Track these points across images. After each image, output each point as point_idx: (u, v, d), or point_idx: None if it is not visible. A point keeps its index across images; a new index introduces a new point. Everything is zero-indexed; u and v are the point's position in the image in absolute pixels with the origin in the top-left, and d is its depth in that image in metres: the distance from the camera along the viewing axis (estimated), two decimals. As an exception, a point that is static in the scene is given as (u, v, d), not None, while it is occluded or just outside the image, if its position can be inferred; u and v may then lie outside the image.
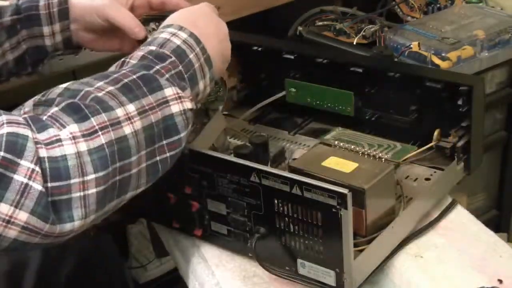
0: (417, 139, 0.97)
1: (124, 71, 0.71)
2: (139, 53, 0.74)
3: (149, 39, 0.78)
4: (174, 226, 0.90)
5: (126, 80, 0.69)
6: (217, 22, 0.84)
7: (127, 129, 0.66)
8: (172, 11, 0.90)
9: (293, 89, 1.06)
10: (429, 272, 0.82)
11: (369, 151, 0.93)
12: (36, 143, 0.61)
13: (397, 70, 0.99)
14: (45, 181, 0.61)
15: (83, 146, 0.63)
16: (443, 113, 0.95)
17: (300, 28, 1.44)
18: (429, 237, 0.88)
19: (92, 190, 0.63)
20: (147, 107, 0.69)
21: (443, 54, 1.26)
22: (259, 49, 1.08)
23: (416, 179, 0.95)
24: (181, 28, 0.78)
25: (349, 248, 0.73)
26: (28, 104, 0.66)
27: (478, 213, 1.07)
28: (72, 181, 0.62)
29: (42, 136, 0.62)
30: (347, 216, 0.72)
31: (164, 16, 0.89)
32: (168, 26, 0.79)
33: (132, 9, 0.94)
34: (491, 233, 0.89)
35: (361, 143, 0.95)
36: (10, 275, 0.99)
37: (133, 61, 0.73)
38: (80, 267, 1.06)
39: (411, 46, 1.27)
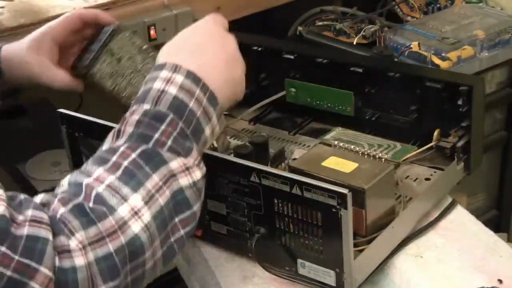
0: (417, 139, 0.97)
1: (122, 149, 0.64)
2: (134, 117, 0.67)
3: (141, 90, 0.70)
4: (174, 226, 0.90)
5: (126, 164, 0.63)
6: (221, 39, 0.76)
7: (136, 227, 0.61)
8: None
9: (293, 89, 1.06)
10: (429, 272, 0.82)
11: (369, 151, 0.93)
12: (54, 248, 0.58)
13: (397, 70, 0.99)
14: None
15: (91, 256, 0.59)
16: (443, 113, 0.95)
17: (300, 28, 1.44)
18: (429, 237, 0.88)
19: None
20: (153, 191, 0.63)
21: (443, 54, 1.26)
22: (259, 49, 1.08)
23: (416, 179, 0.95)
24: (175, 69, 0.69)
25: (349, 248, 0.73)
26: (40, 197, 0.63)
27: (478, 213, 1.07)
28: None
29: (55, 243, 0.58)
30: (347, 216, 0.72)
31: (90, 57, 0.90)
32: (161, 67, 0.70)
33: (62, 54, 0.92)
34: (491, 233, 0.89)
35: (361, 143, 0.95)
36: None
37: (129, 129, 0.66)
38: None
39: (411, 46, 1.28)
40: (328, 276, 0.76)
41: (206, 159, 0.69)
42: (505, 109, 1.46)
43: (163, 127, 0.66)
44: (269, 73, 1.12)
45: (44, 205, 0.61)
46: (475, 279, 0.81)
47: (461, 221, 0.91)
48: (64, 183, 0.64)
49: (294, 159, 0.96)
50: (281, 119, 1.11)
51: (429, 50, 1.27)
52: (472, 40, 1.31)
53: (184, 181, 0.65)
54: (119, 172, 0.63)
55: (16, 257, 0.55)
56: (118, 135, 0.67)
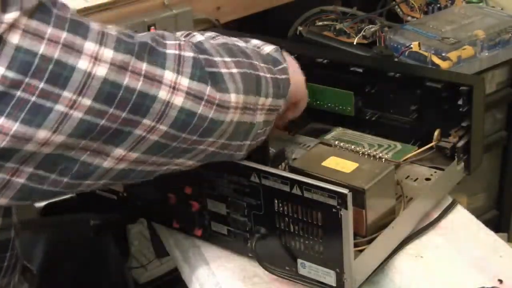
0: (417, 139, 0.97)
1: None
2: None
3: None
4: (174, 226, 0.90)
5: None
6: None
7: (240, 43, 0.77)
8: None
9: (293, 89, 1.06)
10: (429, 272, 0.82)
11: (369, 151, 0.93)
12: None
13: (397, 70, 0.99)
14: (194, 52, 0.68)
15: (209, 42, 0.73)
16: (443, 113, 0.95)
17: (300, 28, 1.44)
18: (429, 237, 0.88)
19: (234, 70, 0.71)
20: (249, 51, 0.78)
21: (443, 54, 1.26)
22: (259, 49, 1.08)
23: (416, 179, 0.95)
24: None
25: (349, 248, 0.73)
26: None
27: (478, 213, 1.07)
28: (216, 58, 0.70)
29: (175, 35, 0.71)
30: (347, 216, 0.72)
31: None
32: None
33: None
34: (491, 233, 0.89)
35: (361, 143, 0.95)
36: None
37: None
38: (81, 268, 1.06)
39: (411, 46, 1.27)
40: (328, 276, 0.76)
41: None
42: (505, 109, 1.46)
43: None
44: (269, 73, 1.11)
45: None
46: (475, 279, 0.81)
47: (461, 221, 0.91)
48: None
49: (294, 159, 0.95)
50: (281, 119, 1.10)
51: (429, 50, 1.27)
52: (472, 40, 1.31)
53: (268, 48, 0.82)
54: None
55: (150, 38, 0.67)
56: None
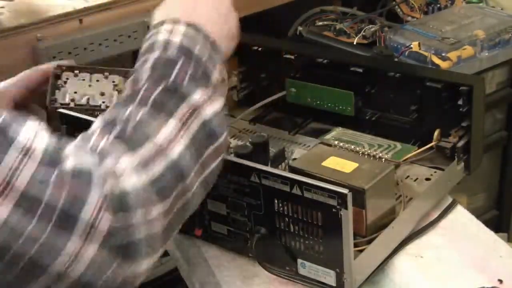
0: (417, 139, 0.97)
1: (144, 89, 0.65)
2: (146, 65, 0.68)
3: (145, 44, 0.70)
4: (174, 226, 0.90)
5: (153, 96, 0.65)
6: None
7: (176, 150, 0.62)
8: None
9: (293, 89, 1.06)
10: (429, 272, 0.82)
11: (369, 151, 0.93)
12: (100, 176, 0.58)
13: (397, 70, 0.99)
14: (115, 212, 0.57)
15: (141, 179, 0.59)
16: (443, 113, 0.95)
17: (300, 28, 1.44)
18: (429, 237, 0.88)
19: (158, 227, 0.60)
20: (184, 119, 0.64)
21: (443, 54, 1.26)
22: (259, 49, 1.08)
23: (416, 179, 0.95)
24: (176, 22, 0.71)
25: (349, 248, 0.73)
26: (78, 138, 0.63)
27: (478, 213, 1.07)
28: (136, 217, 0.58)
29: (101, 170, 0.58)
30: (347, 216, 0.72)
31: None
32: (161, 23, 0.71)
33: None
34: (491, 233, 0.89)
35: (361, 143, 0.95)
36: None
37: (145, 75, 0.67)
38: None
39: (411, 46, 1.28)
40: (328, 276, 0.76)
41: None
42: (505, 109, 1.46)
43: (177, 67, 0.67)
44: (269, 73, 1.12)
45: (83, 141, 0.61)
46: (475, 279, 0.81)
47: (461, 221, 0.91)
48: (95, 125, 0.64)
49: (294, 159, 0.95)
50: (281, 119, 1.11)
51: (429, 50, 1.27)
52: (472, 40, 1.31)
53: (208, 111, 0.66)
54: (149, 105, 0.64)
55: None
56: (136, 82, 0.67)
